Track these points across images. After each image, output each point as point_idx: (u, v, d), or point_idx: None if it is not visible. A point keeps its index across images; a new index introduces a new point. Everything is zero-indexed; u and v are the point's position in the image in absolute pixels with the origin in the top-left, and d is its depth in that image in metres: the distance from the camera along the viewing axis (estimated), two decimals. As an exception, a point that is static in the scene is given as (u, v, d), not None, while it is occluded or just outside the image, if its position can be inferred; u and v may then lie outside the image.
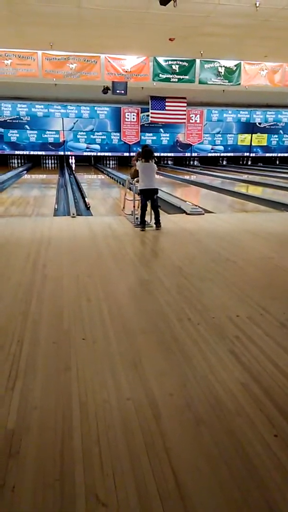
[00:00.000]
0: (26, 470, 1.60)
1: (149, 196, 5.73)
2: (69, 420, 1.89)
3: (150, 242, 5.43)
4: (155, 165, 5.86)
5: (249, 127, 21.13)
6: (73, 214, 6.85)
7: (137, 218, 6.07)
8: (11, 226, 6.20)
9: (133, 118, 19.78)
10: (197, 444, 1.76)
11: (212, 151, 21.25)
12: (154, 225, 5.86)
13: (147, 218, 6.01)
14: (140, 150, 6.19)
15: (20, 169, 18.25)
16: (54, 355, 2.47)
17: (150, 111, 17.98)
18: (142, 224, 5.81)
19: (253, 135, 21.31)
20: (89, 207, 7.84)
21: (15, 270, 4.10)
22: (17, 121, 19.28)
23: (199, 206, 7.65)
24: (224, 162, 22.17)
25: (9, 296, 3.40)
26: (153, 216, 5.99)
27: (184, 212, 7.23)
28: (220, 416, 1.94)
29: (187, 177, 16.19)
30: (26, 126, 19.43)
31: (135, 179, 6.07)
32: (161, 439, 1.77)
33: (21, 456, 1.66)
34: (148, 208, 5.89)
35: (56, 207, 8.21)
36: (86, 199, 8.73)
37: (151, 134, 20.45)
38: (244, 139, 21.35)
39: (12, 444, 1.73)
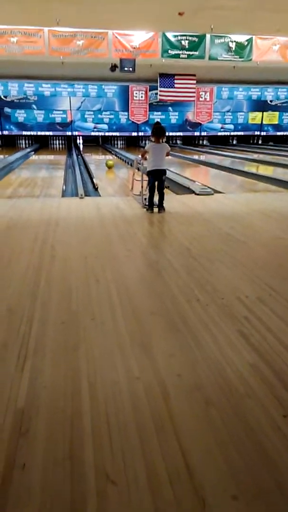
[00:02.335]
0: (36, 448, 1.61)
1: (157, 177, 5.64)
2: (78, 399, 1.89)
3: (159, 223, 5.38)
4: (167, 145, 5.74)
5: (260, 105, 20.63)
6: (81, 195, 6.80)
7: (145, 199, 6.00)
8: (19, 207, 6.18)
9: (141, 97, 19.42)
10: (206, 425, 1.75)
11: (222, 130, 20.85)
12: (157, 208, 5.76)
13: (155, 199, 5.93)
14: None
15: (28, 149, 18.14)
16: (63, 335, 2.47)
17: (159, 89, 17.61)
18: (150, 205, 5.75)
19: (264, 113, 20.83)
20: (97, 187, 7.77)
21: (23, 251, 4.09)
22: (24, 101, 19.05)
23: (208, 186, 7.54)
24: (234, 142, 21.77)
25: (18, 277, 3.40)
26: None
27: (193, 192, 7.13)
28: (229, 397, 1.93)
29: (196, 157, 15.94)
30: (33, 106, 19.21)
31: (143, 159, 5.97)
32: (170, 419, 1.77)
33: (31, 435, 1.68)
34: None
35: (64, 188, 8.16)
36: (94, 179, 8.65)
37: (159, 113, 20.09)
38: (255, 117, 20.88)
39: (22, 423, 1.74)
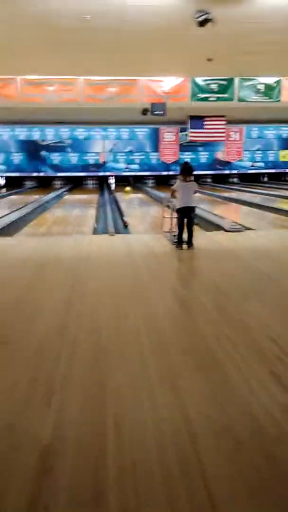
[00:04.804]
0: (59, 489, 1.58)
1: (186, 214, 5.71)
2: (103, 439, 1.86)
3: (188, 260, 5.38)
4: (195, 183, 5.84)
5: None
6: (111, 232, 6.94)
7: (174, 236, 6.05)
8: (52, 244, 6.36)
9: (172, 138, 20.00)
10: (235, 471, 1.67)
11: (252, 168, 21.01)
12: (186, 245, 5.77)
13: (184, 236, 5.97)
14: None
15: (62, 190, 18.87)
16: (91, 372, 2.46)
17: (189, 130, 18.12)
18: (180, 242, 5.78)
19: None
20: (127, 225, 7.93)
21: (54, 287, 4.18)
22: (60, 144, 20.05)
23: (238, 223, 7.52)
24: (265, 179, 21.81)
25: (49, 312, 3.45)
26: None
27: (223, 229, 7.13)
28: (260, 440, 1.84)
29: (226, 194, 16.06)
30: (68, 149, 20.16)
31: (172, 197, 6.08)
32: (197, 461, 1.70)
33: (54, 474, 1.65)
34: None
35: (95, 226, 8.37)
36: (124, 217, 8.84)
37: (190, 153, 20.55)
38: (286, 155, 20.97)
39: (46, 461, 1.72)
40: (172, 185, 6.17)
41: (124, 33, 9.08)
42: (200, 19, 8.37)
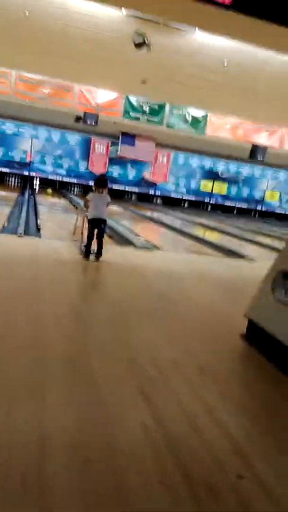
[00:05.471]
0: None
1: (96, 225, 5.72)
2: None
3: (92, 271, 5.36)
4: (108, 196, 5.88)
5: (212, 175, 22.11)
6: (20, 233, 6.68)
7: (84, 246, 6.00)
8: None
9: (103, 150, 20.11)
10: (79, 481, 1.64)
11: (175, 192, 21.88)
12: (95, 256, 5.78)
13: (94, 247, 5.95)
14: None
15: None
16: None
17: (120, 145, 18.42)
18: (87, 252, 5.75)
19: (214, 182, 22.25)
20: (40, 228, 7.70)
21: None
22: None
23: (149, 242, 7.72)
24: (186, 205, 22.82)
25: None
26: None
27: (134, 245, 7.25)
28: (110, 456, 1.85)
29: (149, 213, 16.45)
30: (-6, 142, 19.21)
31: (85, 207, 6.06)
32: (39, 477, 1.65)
33: None
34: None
35: (5, 224, 8.00)
36: (38, 220, 8.59)
37: (118, 167, 20.80)
38: (206, 185, 22.21)
39: None
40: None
41: (61, 36, 9.02)
42: (137, 41, 8.63)
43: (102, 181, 5.84)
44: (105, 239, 6.04)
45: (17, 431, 1.93)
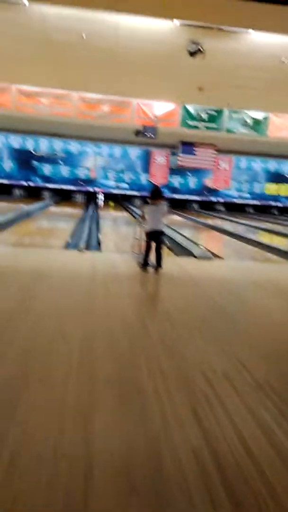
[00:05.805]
0: None
1: (153, 237, 5.69)
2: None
3: (149, 284, 5.32)
4: (164, 207, 5.84)
5: (277, 177, 21.17)
6: (81, 248, 6.87)
7: (142, 258, 6.01)
8: (14, 256, 6.25)
9: (163, 161, 20.25)
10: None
11: (238, 197, 21.31)
12: (154, 268, 5.75)
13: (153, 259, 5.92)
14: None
15: (48, 201, 18.82)
16: (4, 396, 2.35)
17: (179, 155, 18.40)
18: (145, 265, 5.73)
19: (281, 185, 21.30)
20: (100, 243, 7.87)
21: (1, 299, 4.06)
22: (52, 156, 20.13)
23: (210, 251, 7.53)
24: (250, 210, 22.11)
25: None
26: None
27: (193, 255, 7.11)
28: (156, 484, 1.75)
29: (210, 221, 16.17)
30: (60, 162, 20.24)
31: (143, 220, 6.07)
32: (84, 500, 1.60)
33: None
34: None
35: (69, 240, 8.29)
36: (99, 235, 8.79)
37: (179, 177, 20.80)
38: (272, 188, 21.34)
39: None
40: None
41: (117, 55, 9.25)
42: (192, 49, 8.58)
43: (156, 192, 5.82)
44: (164, 250, 5.99)
45: (62, 455, 1.90)
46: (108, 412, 2.27)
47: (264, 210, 21.96)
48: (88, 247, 7.37)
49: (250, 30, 7.92)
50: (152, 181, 20.38)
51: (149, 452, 1.97)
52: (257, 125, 12.88)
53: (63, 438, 2.01)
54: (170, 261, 6.56)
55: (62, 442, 1.98)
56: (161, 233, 5.79)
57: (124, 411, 2.29)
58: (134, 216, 14.94)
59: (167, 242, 8.31)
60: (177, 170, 20.25)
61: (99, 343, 3.21)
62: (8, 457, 1.85)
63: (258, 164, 20.88)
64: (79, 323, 3.58)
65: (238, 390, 2.61)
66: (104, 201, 21.07)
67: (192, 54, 8.95)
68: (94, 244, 7.98)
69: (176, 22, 8.05)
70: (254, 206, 21.92)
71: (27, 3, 6.44)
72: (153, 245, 5.79)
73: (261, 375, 2.84)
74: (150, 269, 5.77)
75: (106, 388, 2.53)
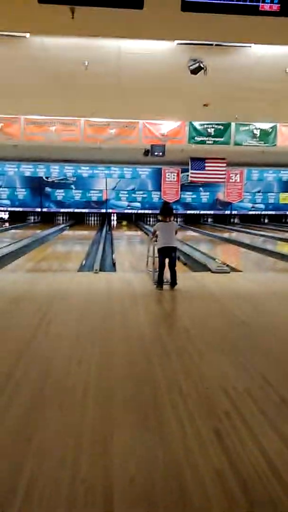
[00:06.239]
0: None
1: (167, 254, 5.65)
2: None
3: (166, 301, 5.26)
4: (175, 223, 5.83)
5: (291, 186, 21.07)
6: (96, 270, 6.88)
7: (157, 276, 5.96)
8: (31, 280, 6.29)
9: (174, 178, 20.36)
10: None
11: (252, 209, 21.17)
12: (169, 285, 5.70)
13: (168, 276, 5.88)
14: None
15: (62, 225, 19.06)
16: (19, 424, 2.31)
17: (190, 171, 18.46)
18: (160, 282, 5.68)
19: (295, 193, 21.12)
20: (114, 263, 7.87)
21: (18, 325, 4.07)
22: (64, 181, 20.50)
23: (227, 264, 7.43)
24: (266, 220, 21.89)
25: (3, 353, 3.33)
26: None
27: (209, 270, 7.03)
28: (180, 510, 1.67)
29: (226, 235, 16.05)
30: (72, 186, 20.57)
31: (154, 237, 6.06)
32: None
33: None
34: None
35: (83, 262, 8.33)
36: (113, 255, 8.81)
37: (190, 193, 20.85)
38: (286, 197, 21.14)
39: None
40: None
41: (121, 79, 9.43)
42: (193, 67, 8.69)
43: (167, 209, 5.83)
44: (179, 266, 5.94)
45: (81, 481, 1.84)
46: (127, 434, 2.21)
47: (279, 219, 21.72)
48: (103, 267, 7.37)
49: (252, 44, 7.98)
50: (165, 199, 20.48)
51: (170, 475, 1.89)
52: (265, 136, 12.87)
53: (81, 463, 1.96)
54: (186, 276, 6.50)
55: (80, 467, 1.93)
56: (174, 249, 5.76)
57: (143, 433, 2.22)
58: (147, 235, 14.97)
59: (182, 258, 8.26)
60: (189, 186, 20.31)
61: (117, 363, 3.16)
62: (26, 484, 1.81)
63: (270, 174, 20.75)
64: (95, 344, 3.55)
65: (261, 406, 2.52)
66: (117, 222, 21.23)
67: (193, 71, 9.06)
68: (109, 264, 7.98)
69: (175, 42, 8.19)
70: (270, 216, 21.71)
71: (28, 35, 6.65)
72: (167, 261, 5.75)
73: (284, 390, 2.74)
74: (166, 286, 5.71)
75: (125, 409, 2.47)
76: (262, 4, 5.27)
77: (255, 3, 5.09)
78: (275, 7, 5.14)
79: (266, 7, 5.30)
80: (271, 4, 5.35)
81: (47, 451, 2.06)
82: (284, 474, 1.91)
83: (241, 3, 5.00)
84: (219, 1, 4.93)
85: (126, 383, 2.82)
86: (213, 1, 4.91)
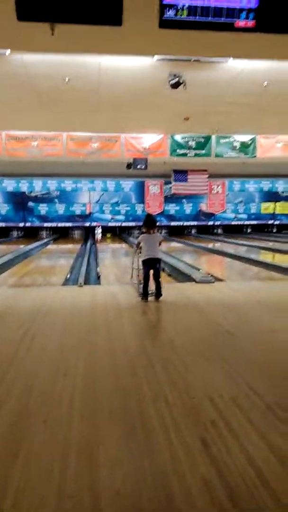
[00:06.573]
0: None
1: (151, 265, 5.67)
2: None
3: (150, 313, 5.26)
4: (159, 235, 5.87)
5: (272, 196, 21.42)
6: (80, 283, 6.85)
7: (141, 287, 5.97)
8: (14, 296, 6.22)
9: (157, 190, 20.55)
10: None
11: (235, 219, 21.48)
12: (154, 296, 5.71)
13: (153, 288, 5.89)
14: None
15: (46, 240, 18.97)
16: (8, 437, 2.27)
17: (173, 183, 18.65)
18: (145, 294, 5.69)
19: (276, 203, 21.51)
20: (99, 276, 7.85)
21: (2, 340, 4.01)
22: (47, 195, 20.47)
23: (211, 275, 7.48)
24: (249, 230, 22.22)
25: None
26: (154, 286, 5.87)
27: (194, 280, 7.07)
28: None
29: (210, 245, 16.21)
30: (56, 200, 20.55)
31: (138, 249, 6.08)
32: None
33: None
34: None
35: (68, 276, 8.28)
36: (98, 268, 8.79)
37: (174, 204, 21.06)
38: (268, 207, 21.54)
39: None
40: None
41: (101, 94, 9.54)
42: (173, 82, 8.85)
43: (150, 221, 5.87)
44: (163, 277, 5.96)
45: (67, 497, 1.81)
46: (113, 447, 2.19)
47: (262, 229, 22.09)
48: (88, 281, 7.34)
49: (230, 58, 8.19)
50: (148, 211, 20.60)
51: (157, 485, 1.88)
52: (245, 147, 13.14)
53: (67, 478, 1.93)
54: (170, 287, 6.52)
55: (66, 482, 1.90)
56: (159, 260, 5.79)
57: (130, 444, 2.20)
58: (132, 247, 15.01)
59: (166, 269, 8.29)
60: (172, 198, 20.51)
61: (102, 376, 3.14)
62: (12, 499, 1.77)
63: (251, 185, 21.16)
64: (80, 357, 3.52)
65: (247, 415, 2.53)
66: (101, 235, 21.23)
67: (173, 86, 9.23)
68: (94, 278, 7.96)
69: (156, 57, 8.34)
70: (252, 226, 22.06)
71: (8, 52, 6.70)
72: (151, 273, 5.76)
73: (270, 397, 2.75)
74: (151, 298, 5.72)
75: (111, 421, 2.45)
76: (238, 21, 5.43)
77: (230, 20, 5.24)
78: (251, 23, 5.32)
79: (241, 23, 5.47)
80: (247, 21, 5.52)
81: (32, 467, 2.02)
82: (271, 481, 1.91)
83: (216, 20, 5.13)
84: (195, 19, 5.05)
85: (112, 395, 2.80)
86: (189, 19, 5.04)
